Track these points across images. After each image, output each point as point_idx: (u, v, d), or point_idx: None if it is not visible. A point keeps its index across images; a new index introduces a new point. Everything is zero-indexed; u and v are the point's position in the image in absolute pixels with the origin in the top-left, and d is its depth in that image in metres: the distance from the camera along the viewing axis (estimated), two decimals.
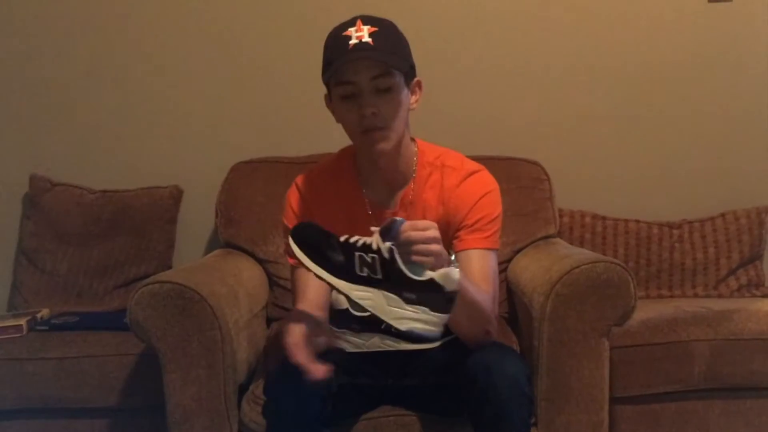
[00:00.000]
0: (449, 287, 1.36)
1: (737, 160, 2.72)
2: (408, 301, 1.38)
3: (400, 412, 1.76)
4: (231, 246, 2.43)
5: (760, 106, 2.70)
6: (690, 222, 2.61)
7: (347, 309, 1.67)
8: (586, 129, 2.72)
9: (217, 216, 2.50)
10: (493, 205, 1.74)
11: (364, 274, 1.39)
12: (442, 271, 1.37)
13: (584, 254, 1.98)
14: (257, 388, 1.81)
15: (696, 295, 2.53)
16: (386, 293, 1.38)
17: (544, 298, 1.82)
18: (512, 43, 2.69)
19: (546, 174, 2.50)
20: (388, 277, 1.38)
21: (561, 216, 2.56)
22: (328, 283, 1.41)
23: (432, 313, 1.37)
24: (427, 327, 1.38)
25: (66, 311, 2.44)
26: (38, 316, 2.36)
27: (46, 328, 2.30)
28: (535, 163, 2.51)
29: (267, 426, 1.57)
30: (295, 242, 1.43)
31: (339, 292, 1.42)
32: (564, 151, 2.69)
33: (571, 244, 2.47)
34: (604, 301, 1.80)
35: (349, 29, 1.59)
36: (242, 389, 1.88)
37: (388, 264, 1.38)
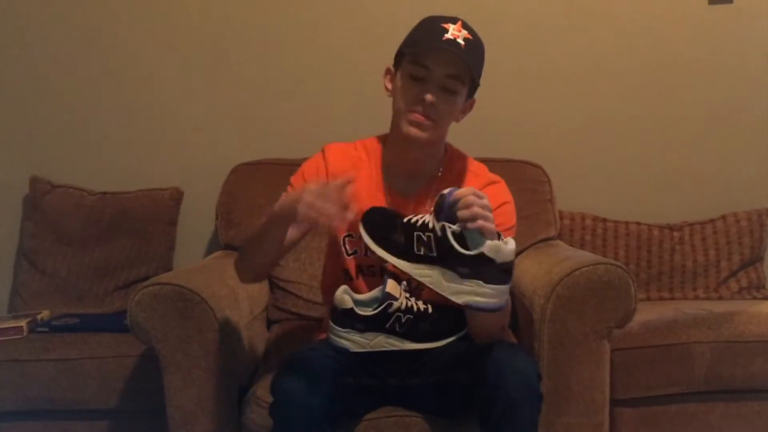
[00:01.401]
0: (501, 259, 1.42)
1: (738, 162, 2.72)
2: (463, 276, 1.44)
3: (402, 413, 1.76)
4: (231, 248, 2.43)
5: (760, 108, 2.70)
6: (690, 224, 2.61)
7: (351, 308, 1.67)
8: (587, 131, 2.72)
9: (217, 218, 2.50)
10: (509, 215, 1.79)
11: (422, 253, 1.47)
12: (491, 244, 1.43)
13: (585, 256, 1.98)
14: (257, 389, 1.80)
15: (696, 297, 2.53)
16: (443, 269, 1.46)
17: (544, 300, 1.82)
18: (513, 45, 2.69)
19: (547, 176, 2.51)
20: (442, 253, 1.45)
21: (561, 218, 2.56)
22: (393, 265, 1.49)
23: (487, 285, 1.43)
24: (484, 299, 1.44)
25: (66, 313, 2.44)
26: (39, 317, 2.36)
27: (47, 329, 2.30)
28: (536, 166, 2.52)
29: (273, 425, 1.57)
30: (364, 226, 1.51)
31: (401, 272, 1.49)
32: (565, 153, 2.69)
33: (572, 246, 2.47)
34: (604, 303, 1.80)
35: (449, 24, 1.68)
36: (242, 391, 1.88)
37: (441, 241, 1.44)
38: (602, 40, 2.70)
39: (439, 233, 1.46)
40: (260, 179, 2.48)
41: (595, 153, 2.73)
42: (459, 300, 1.47)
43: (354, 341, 1.74)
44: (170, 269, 2.56)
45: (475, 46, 1.69)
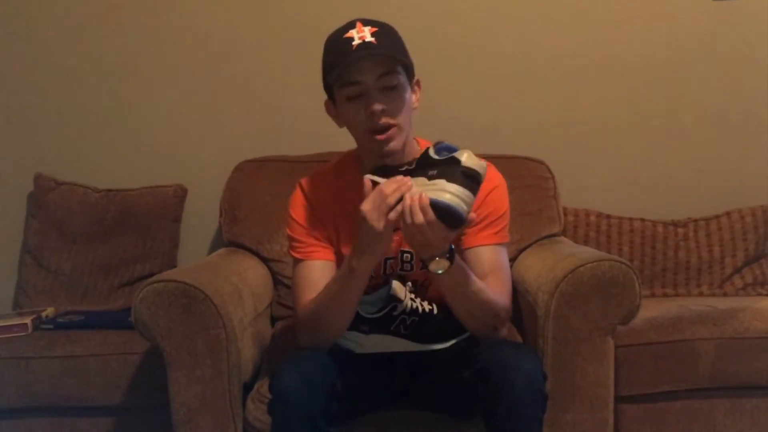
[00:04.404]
0: (465, 162, 1.47)
1: (742, 159, 2.71)
2: (431, 177, 1.49)
3: (406, 411, 1.76)
4: (235, 245, 2.44)
5: (765, 105, 2.69)
6: (695, 220, 2.60)
7: (356, 311, 1.67)
8: (591, 127, 2.72)
9: (221, 215, 2.50)
10: (501, 199, 1.75)
11: (403, 169, 1.55)
12: (462, 150, 1.49)
13: (589, 253, 1.97)
14: (262, 386, 1.81)
15: (701, 294, 2.52)
16: (415, 178, 1.51)
17: (548, 296, 1.82)
18: (517, 42, 2.69)
19: (551, 172, 2.50)
20: (418, 164, 1.53)
21: (566, 214, 2.55)
22: (376, 182, 1.54)
23: (450, 184, 1.46)
24: (449, 196, 1.46)
25: (71, 310, 2.45)
26: (43, 315, 2.37)
27: (51, 326, 2.31)
28: (540, 162, 2.51)
29: (272, 423, 1.57)
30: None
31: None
32: (569, 149, 2.69)
33: (576, 242, 2.47)
34: (609, 299, 1.80)
35: (350, 31, 1.62)
36: (247, 388, 1.88)
37: (422, 156, 1.54)
38: (606, 36, 2.69)
39: (422, 152, 1.55)
40: (264, 176, 2.48)
41: (599, 149, 2.72)
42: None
43: (359, 343, 1.74)
44: (174, 266, 2.57)
45: (385, 34, 1.63)
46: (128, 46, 2.70)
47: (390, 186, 1.49)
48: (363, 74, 1.60)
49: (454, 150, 1.50)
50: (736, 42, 2.68)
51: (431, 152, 1.51)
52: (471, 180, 1.47)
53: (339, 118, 1.71)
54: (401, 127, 1.65)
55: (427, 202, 1.46)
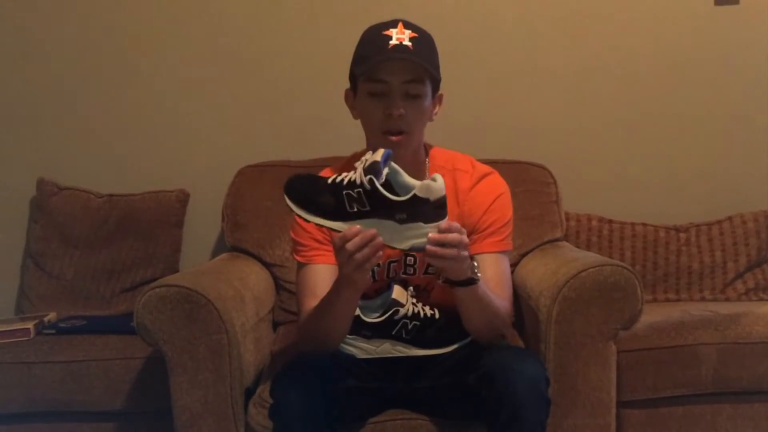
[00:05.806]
0: (434, 196, 1.42)
1: (744, 163, 2.71)
2: (401, 221, 1.43)
3: (409, 416, 1.76)
4: (237, 250, 2.44)
5: (766, 109, 2.69)
6: (697, 225, 2.60)
7: (358, 315, 1.67)
8: (593, 132, 2.72)
9: (223, 220, 2.50)
10: (506, 207, 1.77)
11: (355, 210, 1.44)
12: (421, 184, 1.42)
13: (591, 257, 1.98)
14: (264, 391, 1.80)
15: (703, 299, 2.52)
16: (379, 221, 1.44)
17: (551, 301, 1.82)
18: (519, 46, 2.69)
19: (552, 177, 2.50)
20: (375, 206, 1.43)
21: (567, 219, 2.55)
22: (327, 228, 1.47)
23: (428, 225, 1.43)
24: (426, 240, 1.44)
25: (73, 315, 2.45)
26: (45, 319, 2.37)
27: (54, 331, 2.31)
28: (542, 167, 2.51)
29: (273, 428, 1.57)
30: (288, 197, 1.49)
31: (337, 232, 1.46)
32: (570, 154, 2.69)
33: (578, 247, 2.47)
34: (611, 304, 1.80)
35: (390, 29, 1.64)
36: (249, 393, 1.88)
37: (371, 193, 1.42)
38: (608, 41, 2.69)
39: (368, 187, 1.43)
40: (266, 181, 2.48)
41: (600, 154, 2.72)
42: (404, 246, 1.46)
43: (361, 348, 1.74)
44: (176, 271, 2.57)
45: (423, 43, 1.65)
46: (131, 51, 2.70)
47: (353, 242, 1.43)
48: (391, 75, 1.62)
49: (383, 167, 1.43)
50: (738, 47, 2.69)
51: (380, 187, 1.42)
52: (442, 208, 1.45)
53: (355, 110, 1.73)
54: (413, 136, 1.67)
55: (448, 237, 1.45)
